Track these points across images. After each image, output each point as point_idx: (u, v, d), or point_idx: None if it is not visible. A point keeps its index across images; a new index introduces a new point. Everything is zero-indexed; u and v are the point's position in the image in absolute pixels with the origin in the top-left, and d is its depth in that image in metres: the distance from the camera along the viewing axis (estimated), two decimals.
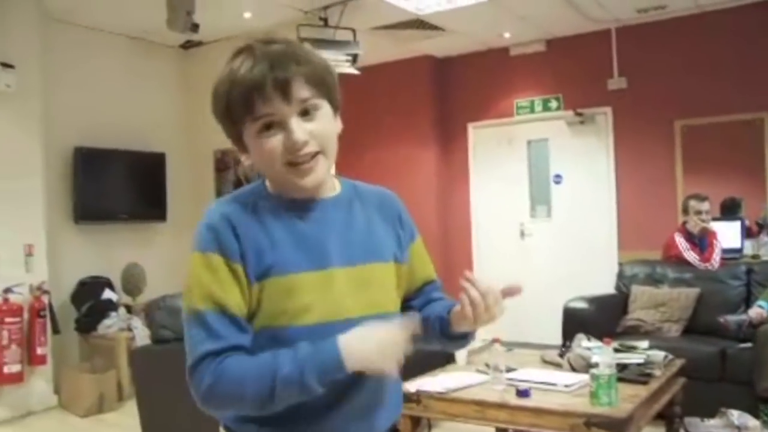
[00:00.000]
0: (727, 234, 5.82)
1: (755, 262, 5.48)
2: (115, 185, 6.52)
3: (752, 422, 3.76)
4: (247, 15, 6.25)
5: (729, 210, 6.32)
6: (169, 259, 6.81)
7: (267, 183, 1.34)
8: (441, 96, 7.89)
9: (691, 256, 5.27)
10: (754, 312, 4.42)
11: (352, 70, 5.99)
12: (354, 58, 5.94)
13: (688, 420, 3.96)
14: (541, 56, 7.35)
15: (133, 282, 6.21)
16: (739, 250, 5.88)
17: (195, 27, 5.66)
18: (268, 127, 1.23)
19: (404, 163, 7.81)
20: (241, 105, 1.23)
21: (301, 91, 1.24)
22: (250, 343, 1.23)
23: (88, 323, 5.82)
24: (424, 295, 1.50)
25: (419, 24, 6.58)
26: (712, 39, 6.54)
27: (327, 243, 1.31)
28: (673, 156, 6.76)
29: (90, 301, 5.92)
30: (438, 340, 1.42)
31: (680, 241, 5.34)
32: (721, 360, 4.39)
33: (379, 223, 1.42)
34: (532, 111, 7.45)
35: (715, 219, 5.68)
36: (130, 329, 5.67)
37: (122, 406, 5.39)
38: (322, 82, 1.28)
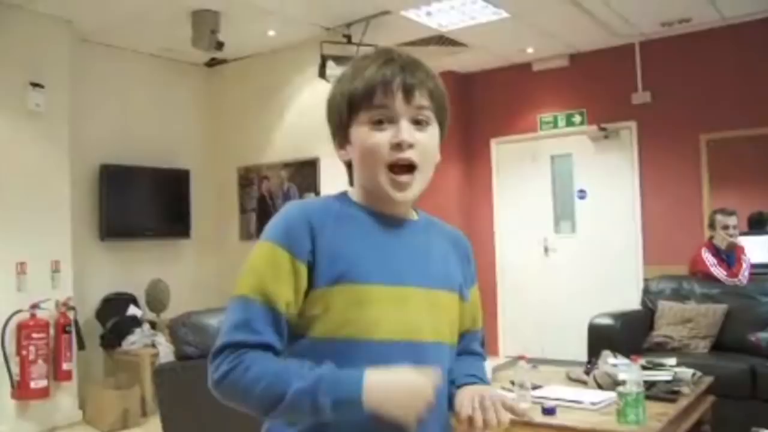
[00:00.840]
0: (756, 249, 5.75)
1: None
2: (140, 202, 6.58)
3: None
4: (272, 33, 6.31)
5: (757, 224, 6.23)
6: (193, 276, 6.86)
7: (351, 195, 1.35)
8: (464, 112, 7.88)
9: (718, 271, 5.20)
10: None
11: None
12: None
13: None
14: (565, 71, 7.32)
15: (157, 298, 6.26)
16: None
17: (220, 45, 5.74)
18: (380, 122, 1.25)
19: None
20: (362, 93, 1.25)
21: (422, 99, 1.27)
22: (281, 345, 1.21)
23: (112, 339, 5.86)
24: (464, 340, 1.45)
25: (442, 40, 6.59)
26: (737, 51, 6.48)
27: (406, 260, 1.30)
28: (699, 170, 6.69)
29: (115, 317, 5.96)
30: None
31: (707, 256, 5.27)
32: (752, 377, 4.31)
33: (452, 256, 1.42)
34: (556, 126, 7.42)
35: (743, 234, 5.60)
36: (154, 345, 5.70)
37: (146, 422, 5.41)
38: (441, 103, 1.32)
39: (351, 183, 1.37)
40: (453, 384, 1.34)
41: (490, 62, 7.54)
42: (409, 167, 1.26)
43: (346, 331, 1.20)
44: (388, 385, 1.13)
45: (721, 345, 4.83)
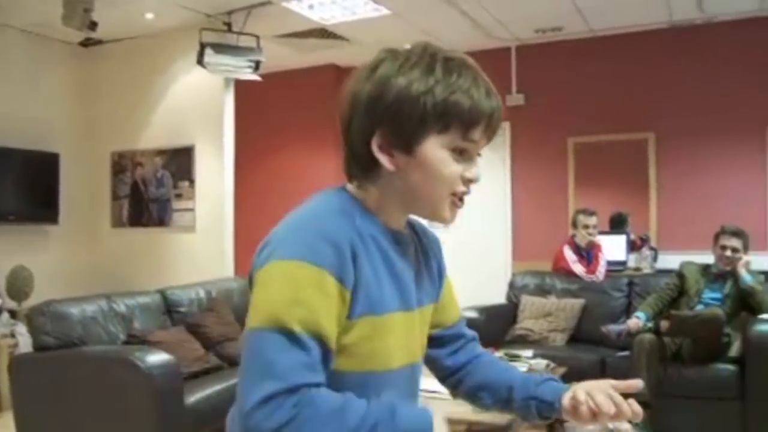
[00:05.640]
0: (614, 247, 6.11)
1: (637, 274, 5.78)
2: (2, 184, 6.25)
3: (625, 426, 3.93)
4: (150, 16, 6.15)
5: (617, 224, 6.61)
6: (61, 263, 6.61)
7: (363, 203, 1.20)
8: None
9: (578, 268, 5.50)
10: (632, 322, 4.64)
11: (254, 77, 5.98)
12: (256, 65, 5.93)
13: (567, 425, 4.12)
14: None
15: (18, 286, 5.97)
16: (624, 263, 6.18)
17: (93, 25, 5.53)
18: (461, 151, 1.16)
19: (306, 170, 7.81)
20: (465, 117, 1.13)
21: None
22: None
23: None
24: (456, 330, 1.46)
25: (324, 33, 6.62)
26: (603, 62, 6.86)
27: (411, 283, 1.25)
28: (566, 171, 7.03)
29: None
30: (528, 418, 1.37)
31: (568, 253, 5.57)
32: (601, 367, 4.61)
33: (431, 260, 1.37)
34: None
35: (603, 233, 5.94)
36: (13, 335, 5.45)
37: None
38: None
39: (352, 181, 1.23)
40: (546, 404, 1.33)
41: (370, 57, 7.59)
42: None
43: (369, 363, 1.15)
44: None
45: (577, 337, 5.12)
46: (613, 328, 4.75)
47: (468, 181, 1.17)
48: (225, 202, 6.21)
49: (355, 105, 1.17)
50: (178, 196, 6.41)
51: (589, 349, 4.85)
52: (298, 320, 1.02)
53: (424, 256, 1.34)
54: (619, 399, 1.22)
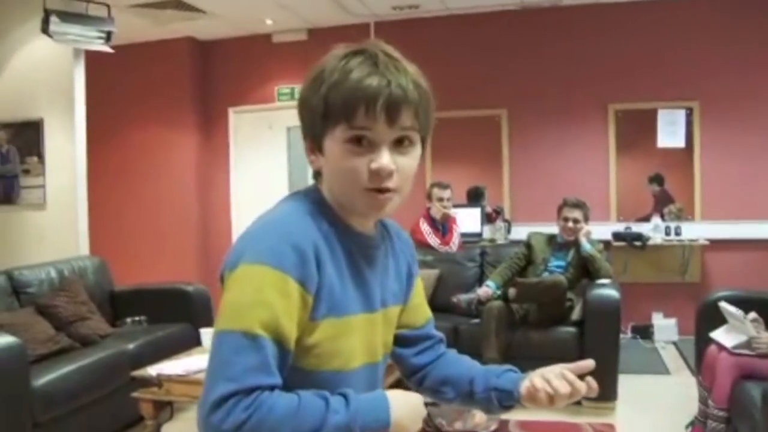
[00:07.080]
0: (470, 220, 6.36)
1: (490, 245, 6.05)
2: None
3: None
4: None
5: (474, 197, 6.88)
6: None
7: (327, 196, 1.23)
8: (202, 79, 7.79)
9: (433, 239, 5.70)
10: (482, 291, 4.89)
11: (106, 48, 5.74)
12: (108, 36, 5.69)
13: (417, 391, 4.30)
14: (303, 45, 7.49)
15: None
16: (479, 235, 6.45)
17: None
18: (359, 141, 1.14)
19: (163, 145, 7.61)
20: (341, 107, 1.12)
21: (407, 119, 1.15)
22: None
23: None
24: (425, 331, 1.49)
25: (180, 5, 6.44)
26: (459, 39, 7.08)
27: (375, 285, 1.27)
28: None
29: None
30: (491, 409, 1.40)
31: (424, 225, 5.76)
32: (454, 335, 4.82)
33: (401, 262, 1.40)
34: (293, 98, 7.55)
35: (460, 206, 6.17)
36: None
37: None
38: (427, 118, 1.20)
39: (316, 180, 1.27)
40: (506, 393, 1.36)
41: (230, 31, 7.49)
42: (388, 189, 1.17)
43: (333, 363, 1.18)
44: (406, 406, 1.17)
45: (432, 306, 5.23)
46: (463, 298, 4.98)
47: (375, 173, 1.14)
48: (78, 178, 5.95)
49: None
50: (26, 172, 6.08)
51: (443, 317, 4.99)
52: (259, 322, 1.07)
53: (394, 257, 1.37)
54: (572, 377, 1.28)
